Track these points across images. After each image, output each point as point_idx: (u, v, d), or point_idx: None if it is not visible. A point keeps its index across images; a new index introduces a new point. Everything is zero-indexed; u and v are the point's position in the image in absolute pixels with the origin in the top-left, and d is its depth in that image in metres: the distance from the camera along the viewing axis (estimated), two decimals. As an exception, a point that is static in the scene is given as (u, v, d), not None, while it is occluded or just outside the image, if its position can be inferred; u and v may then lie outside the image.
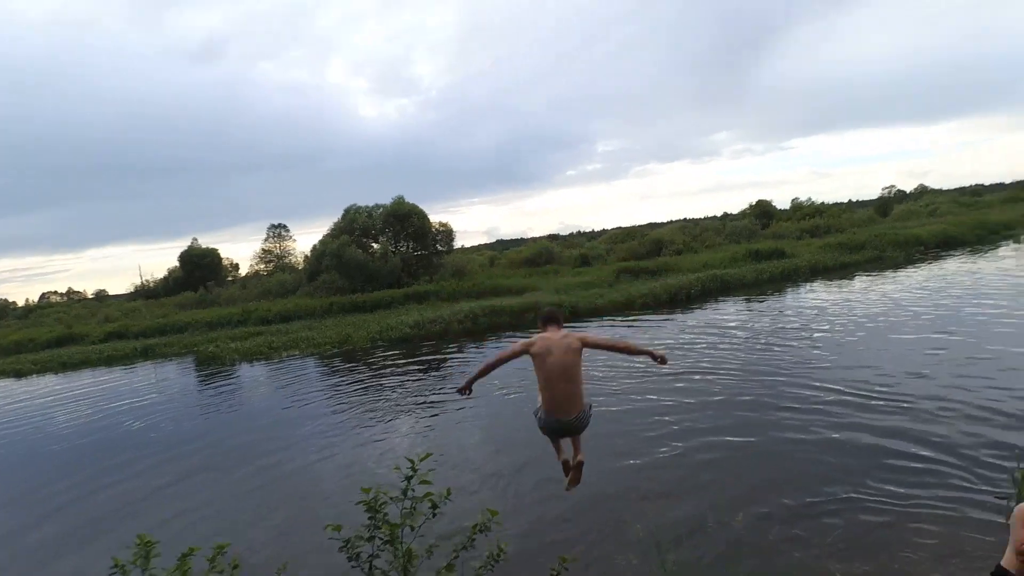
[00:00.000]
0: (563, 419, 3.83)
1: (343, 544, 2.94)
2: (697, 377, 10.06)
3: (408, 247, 34.46)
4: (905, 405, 7.55)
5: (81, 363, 21.53)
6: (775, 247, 27.85)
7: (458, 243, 38.54)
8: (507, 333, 17.55)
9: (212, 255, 46.77)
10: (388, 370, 13.94)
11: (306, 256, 38.58)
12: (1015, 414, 6.85)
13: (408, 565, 2.95)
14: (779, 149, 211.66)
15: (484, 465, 7.36)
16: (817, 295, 18.21)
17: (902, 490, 5.45)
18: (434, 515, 3.05)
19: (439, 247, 35.10)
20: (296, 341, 19.53)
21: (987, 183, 79.68)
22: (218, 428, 10.77)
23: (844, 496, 5.47)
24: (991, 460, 5.81)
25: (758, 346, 11.95)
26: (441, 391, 11.39)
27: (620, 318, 17.73)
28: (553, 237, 63.41)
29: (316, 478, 7.67)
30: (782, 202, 47.55)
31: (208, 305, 34.84)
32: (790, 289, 20.21)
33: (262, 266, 48.37)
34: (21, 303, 59.96)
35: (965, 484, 5.44)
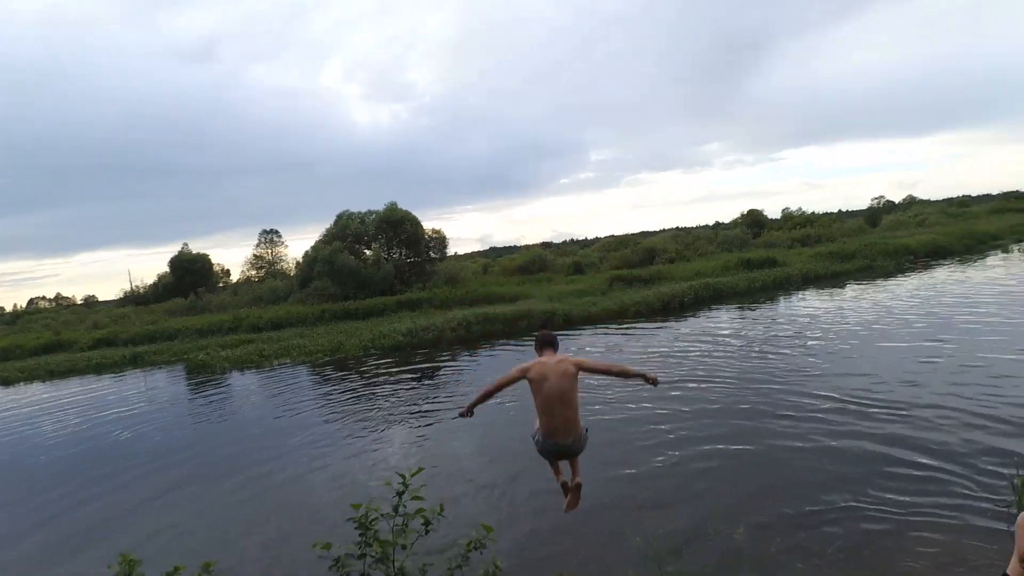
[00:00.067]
0: (561, 442, 3.85)
1: (333, 563, 2.85)
2: (692, 385, 10.02)
3: (401, 254, 34.33)
4: (901, 412, 7.54)
5: (69, 371, 21.20)
6: (767, 256, 27.98)
7: (451, 250, 38.48)
8: (500, 341, 17.47)
9: (203, 261, 46.36)
10: (381, 379, 13.81)
11: (298, 262, 38.28)
12: (1011, 421, 6.85)
13: (401, 583, 2.86)
14: (770, 160, 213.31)
15: (478, 475, 7.26)
16: (809, 303, 18.28)
17: (902, 498, 5.41)
18: (427, 532, 2.97)
19: (432, 254, 34.99)
20: (287, 349, 19.33)
21: (975, 194, 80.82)
22: (208, 438, 10.60)
23: (844, 505, 5.43)
24: (990, 467, 5.79)
25: (752, 354, 11.94)
26: (434, 400, 11.28)
27: (614, 326, 17.69)
28: (546, 245, 63.44)
29: (308, 489, 7.53)
30: (773, 212, 47.83)
31: (198, 312, 34.48)
32: (782, 297, 20.28)
33: (253, 272, 48.01)
34: (9, 308, 59.40)
35: (965, 491, 5.42)
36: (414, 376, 13.77)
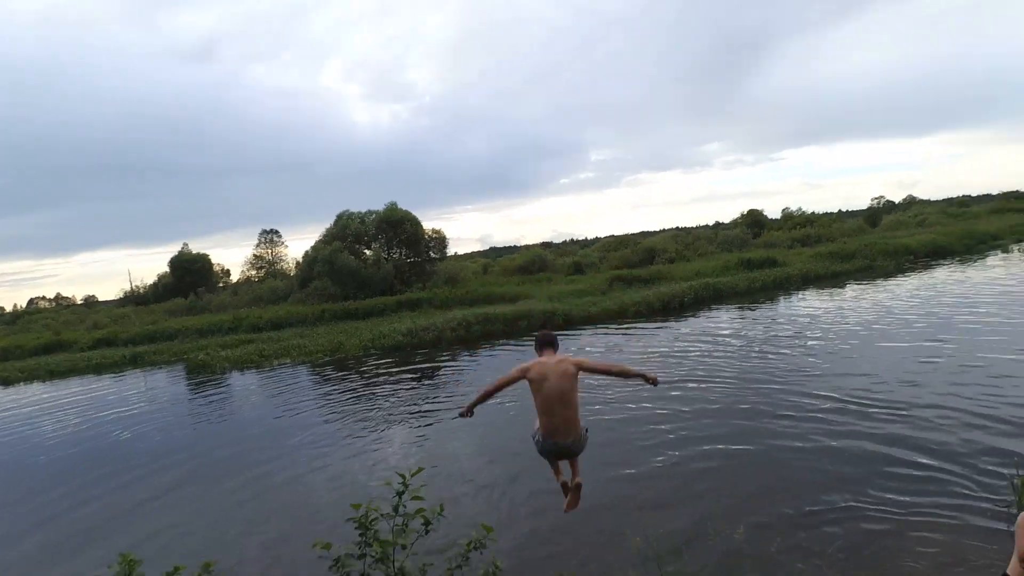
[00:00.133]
0: (561, 442, 3.85)
1: (333, 563, 2.85)
2: (692, 385, 10.02)
3: (401, 254, 34.33)
4: (901, 412, 7.54)
5: (69, 371, 21.19)
6: (767, 256, 27.98)
7: (451, 250, 38.48)
8: (500, 341, 17.47)
9: (203, 260, 46.37)
10: (381, 379, 13.81)
11: (298, 262, 38.30)
12: (1011, 421, 6.85)
13: (401, 584, 2.86)
14: (770, 160, 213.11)
15: (478, 475, 7.26)
16: (809, 303, 18.28)
17: (902, 498, 5.41)
18: (427, 532, 2.97)
19: (432, 254, 35.00)
20: (287, 349, 19.33)
21: (974, 194, 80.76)
22: (208, 438, 10.60)
23: (844, 505, 5.43)
24: (990, 467, 5.79)
25: (752, 354, 11.94)
26: (434, 400, 11.28)
27: (614, 326, 17.69)
28: (546, 245, 63.41)
29: (308, 489, 7.53)
30: (773, 212, 47.84)
31: (198, 312, 34.48)
32: (782, 297, 20.28)
33: (253, 272, 48.01)
34: (9, 308, 59.40)
35: (965, 491, 5.41)
36: (414, 376, 13.77)
